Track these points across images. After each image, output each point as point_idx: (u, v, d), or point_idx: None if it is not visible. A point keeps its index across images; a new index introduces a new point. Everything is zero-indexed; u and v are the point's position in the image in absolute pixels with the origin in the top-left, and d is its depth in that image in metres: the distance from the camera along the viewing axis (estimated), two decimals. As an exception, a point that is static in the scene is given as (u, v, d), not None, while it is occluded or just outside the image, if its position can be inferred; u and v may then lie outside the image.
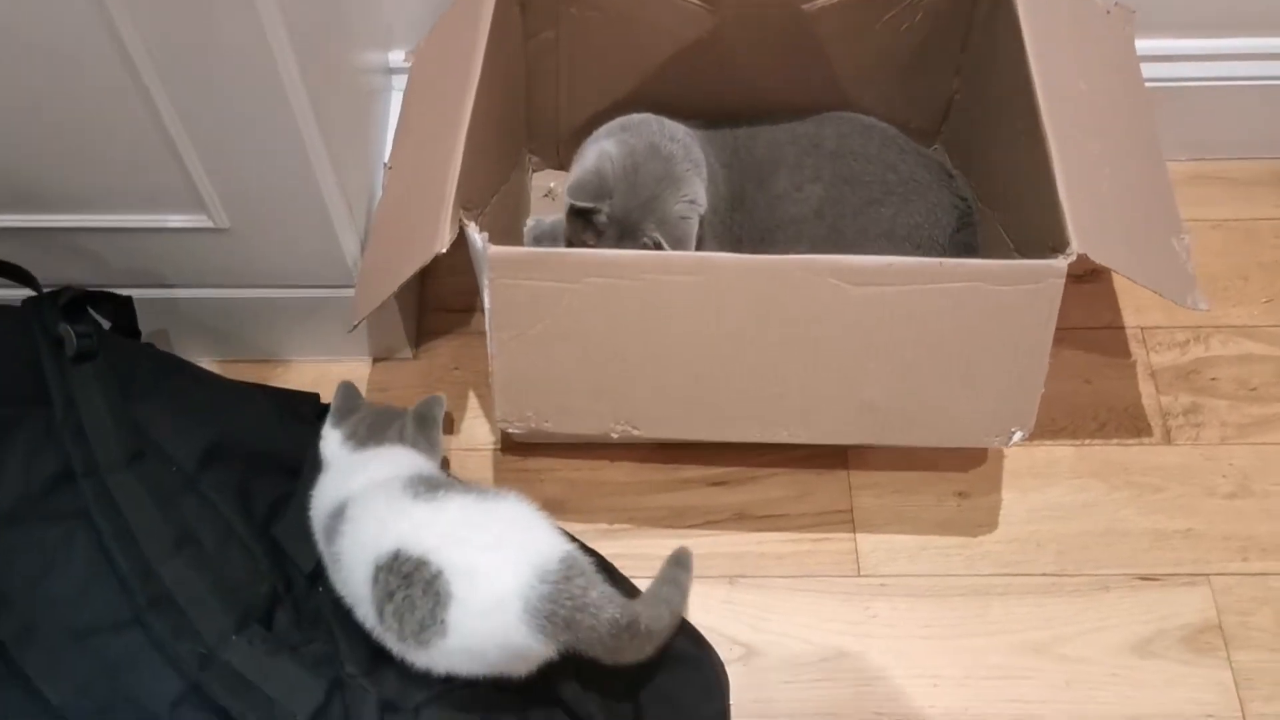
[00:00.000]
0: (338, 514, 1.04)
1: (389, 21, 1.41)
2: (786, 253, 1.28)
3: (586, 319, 1.07)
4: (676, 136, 1.27)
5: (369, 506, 1.03)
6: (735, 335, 1.08)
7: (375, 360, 1.40)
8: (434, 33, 1.33)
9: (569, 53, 1.35)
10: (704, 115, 1.34)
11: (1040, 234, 1.11)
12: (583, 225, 1.24)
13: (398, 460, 1.11)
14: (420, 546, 0.97)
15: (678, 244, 1.20)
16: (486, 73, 1.17)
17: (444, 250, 1.06)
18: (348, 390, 1.20)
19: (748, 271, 1.06)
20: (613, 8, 1.28)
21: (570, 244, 1.28)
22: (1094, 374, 1.40)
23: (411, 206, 1.16)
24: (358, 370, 1.41)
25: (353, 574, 1.01)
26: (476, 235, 1.08)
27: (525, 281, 1.07)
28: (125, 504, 1.05)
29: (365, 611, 1.00)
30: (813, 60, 1.30)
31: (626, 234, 1.22)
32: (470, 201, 1.16)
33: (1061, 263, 1.04)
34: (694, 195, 1.23)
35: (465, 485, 1.08)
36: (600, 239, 1.23)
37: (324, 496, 1.09)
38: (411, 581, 0.96)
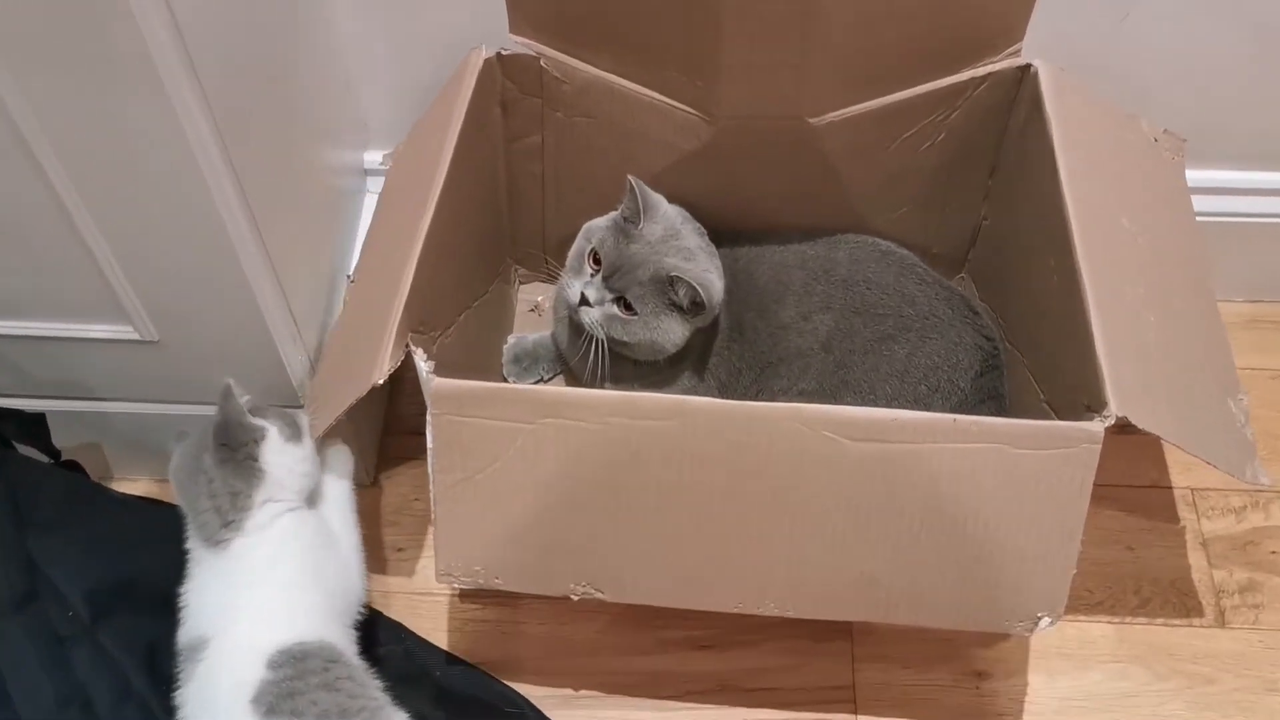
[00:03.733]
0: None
1: (365, 119, 1.30)
2: (790, 389, 1.16)
3: (543, 465, 0.93)
4: (710, 243, 1.19)
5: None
6: (715, 491, 0.93)
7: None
8: (412, 133, 1.22)
9: (556, 159, 1.24)
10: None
11: (1075, 387, 0.96)
12: (609, 238, 1.14)
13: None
14: None
15: (707, 289, 1.10)
16: (456, 178, 1.06)
17: (380, 382, 0.93)
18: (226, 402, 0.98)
19: (731, 419, 0.92)
20: (603, 114, 1.16)
21: (569, 269, 1.17)
22: (1136, 540, 1.23)
23: (362, 326, 1.04)
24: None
25: None
26: (422, 363, 0.95)
27: (473, 419, 0.93)
28: (3, 657, 0.92)
29: None
30: (821, 178, 1.18)
31: (641, 268, 1.11)
32: (431, 320, 1.03)
33: (1097, 427, 0.89)
34: (720, 277, 1.16)
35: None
36: (609, 275, 1.12)
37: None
38: None
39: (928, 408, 1.14)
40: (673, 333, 1.14)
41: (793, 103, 1.09)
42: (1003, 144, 1.20)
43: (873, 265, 1.21)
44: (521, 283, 1.43)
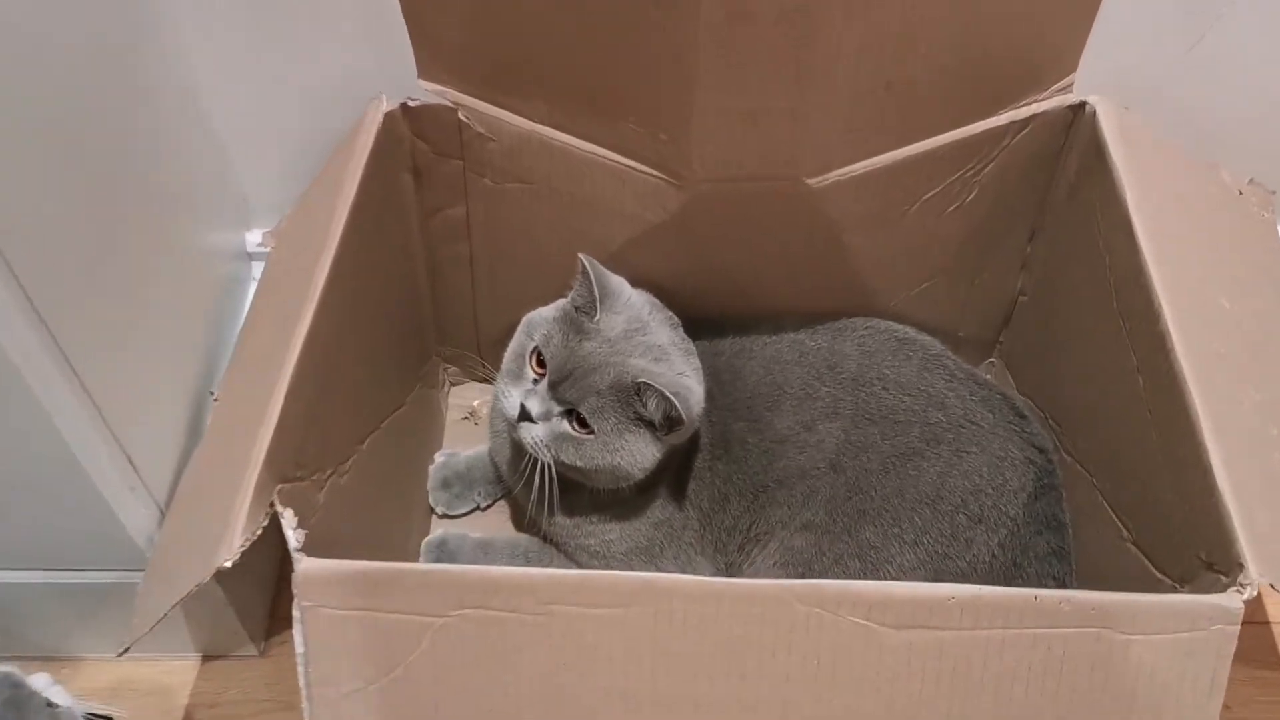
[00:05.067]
0: None
1: (245, 193, 1.04)
2: (791, 520, 0.91)
3: (461, 673, 0.68)
4: (686, 338, 0.95)
5: None
6: (699, 705, 0.67)
7: (205, 659, 1.00)
8: (298, 207, 0.96)
9: (485, 236, 0.99)
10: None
11: (1183, 530, 0.73)
12: (557, 334, 0.89)
13: None
14: None
15: (684, 398, 0.85)
16: (349, 264, 0.82)
17: (229, 563, 0.66)
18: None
19: (719, 603, 0.66)
20: (541, 178, 0.91)
21: (506, 373, 0.92)
22: (1234, 695, 0.96)
23: (218, 470, 0.77)
24: (179, 672, 1.00)
25: None
26: (290, 532, 0.69)
27: (363, 612, 0.66)
28: None
29: None
30: (823, 251, 0.93)
31: (598, 373, 0.86)
32: (315, 458, 0.78)
33: (1234, 601, 0.64)
34: (699, 381, 0.92)
35: None
36: (558, 381, 0.87)
37: None
38: None
39: (968, 544, 0.89)
40: (640, 455, 0.88)
41: (786, 159, 0.84)
42: (1047, 202, 0.96)
43: (889, 358, 0.96)
44: (453, 385, 1.16)
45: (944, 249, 0.97)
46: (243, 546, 0.67)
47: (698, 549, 0.97)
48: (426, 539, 1.03)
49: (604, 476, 0.90)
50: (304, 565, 0.66)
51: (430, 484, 1.07)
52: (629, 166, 0.87)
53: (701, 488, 0.96)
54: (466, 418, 1.15)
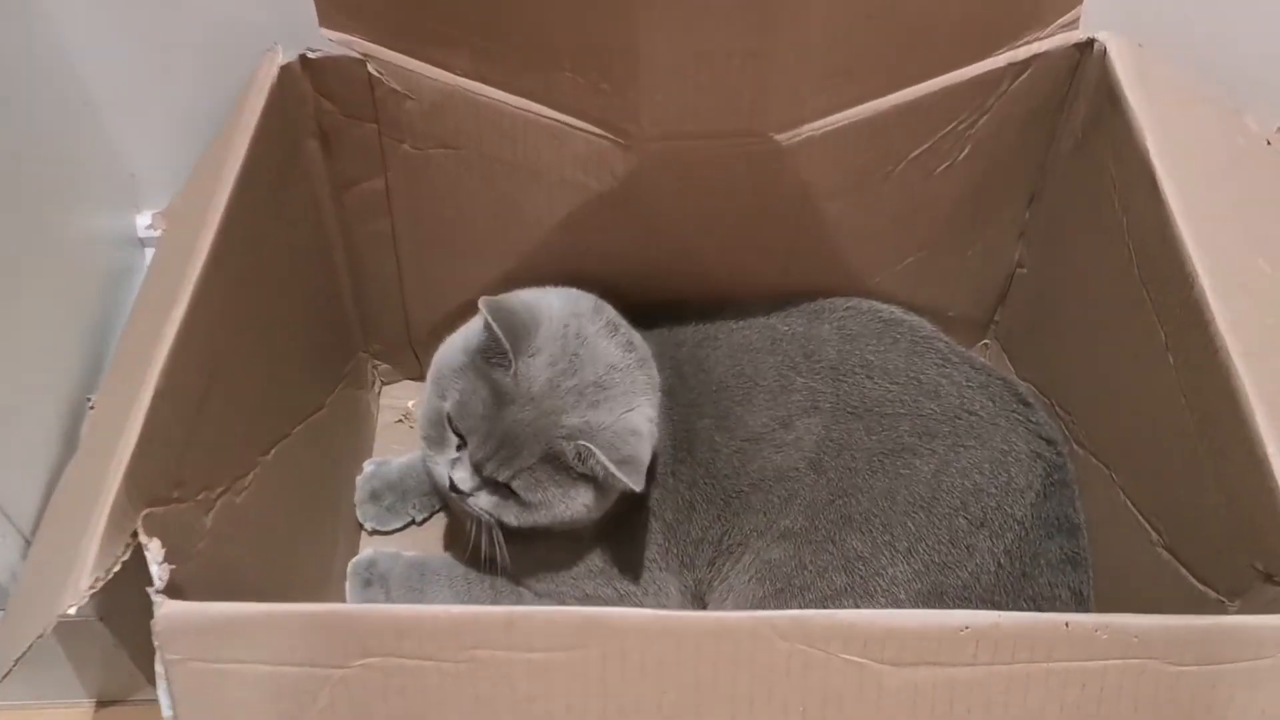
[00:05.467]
0: None
1: (133, 169, 0.91)
2: (768, 529, 0.84)
3: (365, 735, 0.55)
4: (632, 332, 0.83)
5: None
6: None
7: (100, 705, 0.87)
8: (188, 185, 0.83)
9: (409, 210, 0.86)
10: (623, 307, 0.84)
11: (1230, 535, 0.61)
12: (471, 396, 0.76)
13: None
14: None
15: (626, 464, 0.74)
16: (240, 243, 0.71)
17: (73, 610, 0.53)
18: None
19: (677, 641, 0.54)
20: (469, 142, 0.79)
21: (425, 439, 0.81)
22: None
23: (80, 491, 0.64)
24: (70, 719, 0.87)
25: None
26: (155, 568, 0.56)
27: (239, 664, 0.54)
28: None
29: None
30: (795, 221, 0.82)
31: (526, 446, 0.75)
32: (198, 475, 0.66)
33: (1305, 623, 0.52)
34: (652, 415, 0.80)
35: None
36: (481, 460, 0.76)
37: None
38: None
39: (970, 552, 0.78)
40: (592, 505, 0.78)
41: (750, 111, 0.72)
42: (1049, 159, 0.84)
43: (873, 342, 0.85)
44: (384, 384, 1.04)
45: (933, 216, 0.86)
46: (92, 589, 0.54)
47: (662, 565, 0.85)
48: (353, 560, 0.91)
49: (557, 527, 0.79)
50: (165, 610, 0.54)
51: (358, 496, 0.95)
52: (568, 124, 0.74)
53: (664, 496, 0.84)
54: (401, 420, 1.02)
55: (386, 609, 0.56)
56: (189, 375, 0.64)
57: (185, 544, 0.64)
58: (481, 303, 0.74)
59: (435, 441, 0.79)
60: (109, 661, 0.83)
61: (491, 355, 0.76)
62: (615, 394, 0.77)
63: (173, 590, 0.56)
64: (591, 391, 0.76)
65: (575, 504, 0.77)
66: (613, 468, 0.72)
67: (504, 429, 0.75)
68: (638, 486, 0.74)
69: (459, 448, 0.78)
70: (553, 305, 0.79)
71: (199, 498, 0.66)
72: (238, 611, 0.54)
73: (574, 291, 0.83)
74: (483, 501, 0.78)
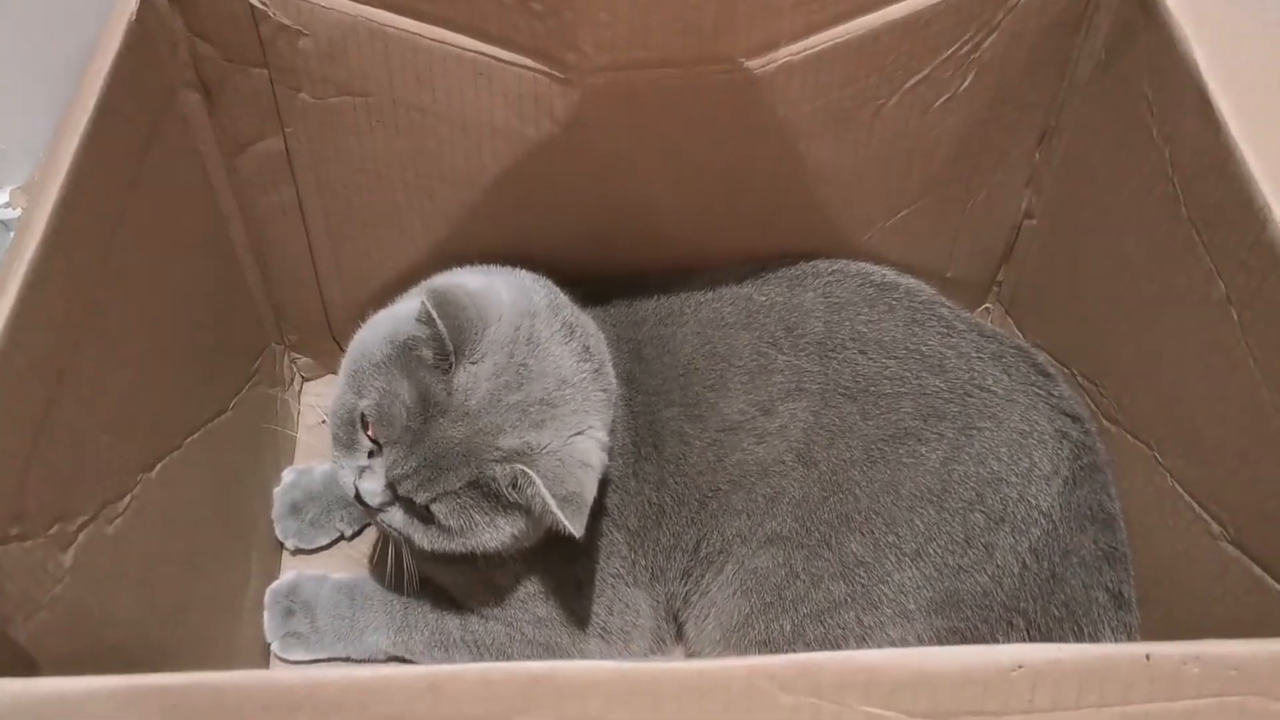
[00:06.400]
0: None
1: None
2: (751, 535, 0.75)
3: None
4: (590, 331, 0.71)
5: None
6: None
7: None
8: (46, 156, 0.69)
9: (314, 173, 0.73)
10: (573, 280, 0.71)
11: None
12: (393, 397, 0.64)
13: None
14: None
15: (568, 503, 0.62)
16: (92, 219, 0.58)
17: None
18: None
19: (653, 700, 0.42)
20: (377, 86, 0.66)
21: (335, 440, 0.68)
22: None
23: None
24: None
25: None
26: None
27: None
28: None
29: None
30: (771, 167, 0.69)
31: (455, 469, 0.63)
32: (45, 502, 0.54)
33: None
34: (605, 439, 0.68)
35: None
36: (399, 476, 0.64)
37: None
38: None
39: (989, 551, 0.67)
40: (520, 536, 0.67)
41: (715, 31, 0.60)
42: (1064, 89, 0.72)
43: (864, 311, 0.74)
44: (305, 380, 0.91)
45: (930, 159, 0.74)
46: None
47: (628, 580, 0.73)
48: (271, 586, 0.78)
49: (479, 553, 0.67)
50: (-29, 693, 0.41)
51: (276, 511, 0.83)
52: (494, 57, 0.62)
53: (626, 500, 0.72)
54: (325, 420, 0.89)
55: (270, 677, 0.43)
56: (23, 382, 0.51)
57: (33, 590, 0.51)
58: (426, 295, 0.61)
59: (344, 443, 0.66)
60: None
61: (424, 354, 0.63)
62: (564, 413, 0.65)
63: (10, 657, 0.43)
64: (537, 410, 0.63)
65: (502, 534, 0.65)
66: (553, 504, 0.60)
67: (429, 446, 0.62)
68: (578, 531, 0.61)
69: (372, 454, 0.65)
70: (503, 302, 0.66)
71: (50, 531, 0.54)
72: (68, 688, 0.41)
73: (526, 279, 0.70)
74: (392, 519, 0.66)
